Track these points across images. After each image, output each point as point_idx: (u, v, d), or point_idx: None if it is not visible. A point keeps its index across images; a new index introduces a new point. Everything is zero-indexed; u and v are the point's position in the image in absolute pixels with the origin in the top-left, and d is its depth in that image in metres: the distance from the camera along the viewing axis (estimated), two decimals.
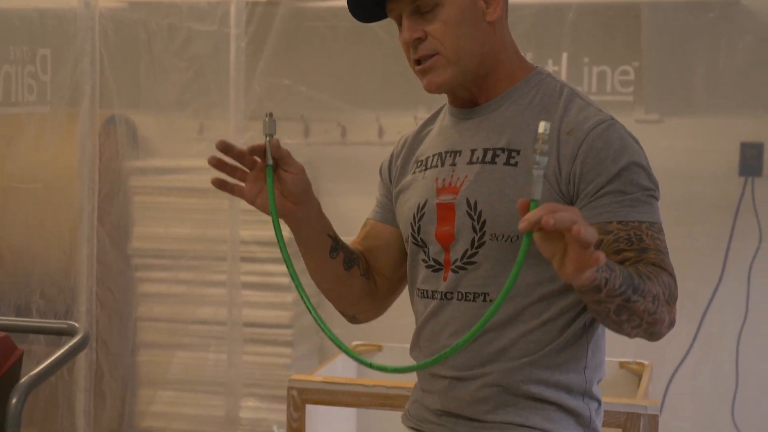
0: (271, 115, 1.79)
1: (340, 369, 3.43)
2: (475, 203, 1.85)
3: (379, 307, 2.08)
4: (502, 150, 1.85)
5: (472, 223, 1.85)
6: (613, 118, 1.86)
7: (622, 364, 3.50)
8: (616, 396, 2.99)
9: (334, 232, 2.00)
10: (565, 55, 4.27)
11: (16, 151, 3.71)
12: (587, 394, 1.91)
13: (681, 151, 4.29)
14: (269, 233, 4.47)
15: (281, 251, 1.82)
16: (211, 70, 4.13)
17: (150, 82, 4.08)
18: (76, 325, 2.06)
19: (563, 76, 4.26)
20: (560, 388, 1.87)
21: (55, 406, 3.43)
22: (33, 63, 3.52)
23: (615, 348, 3.43)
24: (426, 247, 1.92)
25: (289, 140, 4.66)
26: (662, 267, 1.77)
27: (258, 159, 1.82)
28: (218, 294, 4.28)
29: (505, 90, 1.91)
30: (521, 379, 1.85)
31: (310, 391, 3.13)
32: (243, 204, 4.23)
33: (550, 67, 4.30)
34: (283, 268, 3.98)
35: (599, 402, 1.95)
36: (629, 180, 1.80)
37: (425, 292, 1.93)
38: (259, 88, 4.24)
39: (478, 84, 1.90)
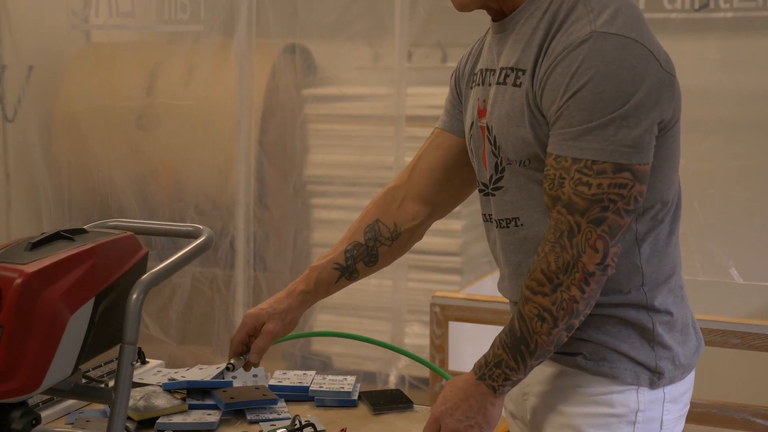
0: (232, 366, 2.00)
1: (489, 288, 3.38)
2: (491, 128, 1.78)
3: (422, 233, 2.10)
4: (512, 69, 1.74)
5: (492, 148, 1.79)
6: (595, 32, 1.63)
7: None
8: None
9: (337, 272, 2.03)
10: None
11: (169, 69, 3.80)
12: (650, 308, 1.77)
13: None
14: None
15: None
16: None
17: (307, 6, 4.08)
18: (201, 227, 2.14)
19: None
20: (616, 303, 1.76)
21: (211, 319, 3.53)
22: None
23: None
24: (478, 169, 1.89)
25: (454, 64, 4.56)
26: (550, 237, 1.65)
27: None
28: None
29: (525, 1, 1.77)
30: None
31: (452, 308, 3.11)
32: (408, 131, 4.24)
33: None
34: None
35: (669, 313, 1.78)
36: (577, 106, 1.61)
37: (483, 216, 1.91)
38: (423, 12, 4.17)
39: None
